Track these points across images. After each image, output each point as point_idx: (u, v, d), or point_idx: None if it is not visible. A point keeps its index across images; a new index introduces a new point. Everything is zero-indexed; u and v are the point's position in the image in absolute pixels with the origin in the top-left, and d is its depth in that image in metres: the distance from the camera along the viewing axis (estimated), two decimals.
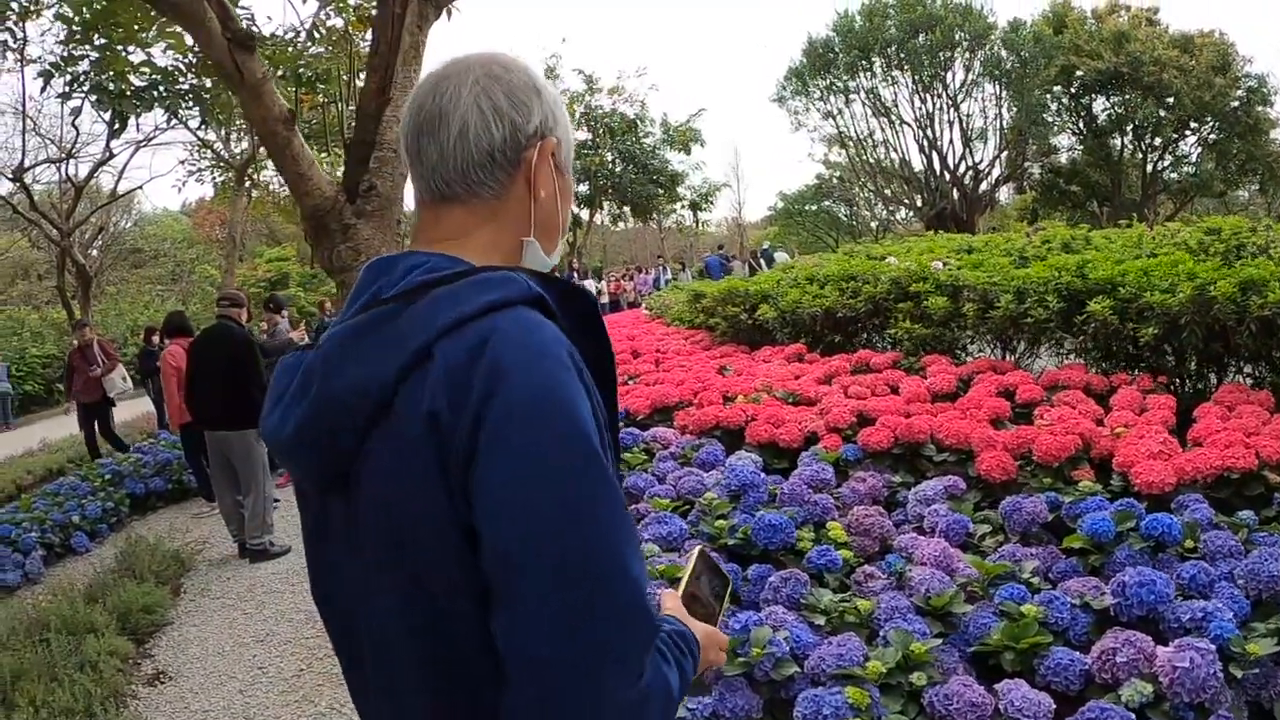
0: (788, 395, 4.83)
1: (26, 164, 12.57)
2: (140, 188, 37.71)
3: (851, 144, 28.30)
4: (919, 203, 27.56)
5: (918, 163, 27.47)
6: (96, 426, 10.01)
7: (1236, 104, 25.54)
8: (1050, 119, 27.67)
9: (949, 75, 26.62)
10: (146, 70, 5.11)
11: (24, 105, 12.67)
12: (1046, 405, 4.21)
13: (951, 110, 26.99)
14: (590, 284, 19.85)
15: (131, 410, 17.00)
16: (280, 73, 5.24)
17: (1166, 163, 27.11)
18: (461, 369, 0.79)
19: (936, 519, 3.30)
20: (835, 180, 32.37)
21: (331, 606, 0.97)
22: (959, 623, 2.60)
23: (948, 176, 27.29)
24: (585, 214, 25.06)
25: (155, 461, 8.51)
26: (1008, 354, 5.55)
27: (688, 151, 26.73)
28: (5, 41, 5.93)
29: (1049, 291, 4.83)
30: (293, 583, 5.40)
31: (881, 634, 2.48)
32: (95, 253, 12.73)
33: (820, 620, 2.60)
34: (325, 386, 0.86)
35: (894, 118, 27.29)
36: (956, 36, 25.46)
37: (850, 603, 2.62)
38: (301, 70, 5.24)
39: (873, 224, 32.28)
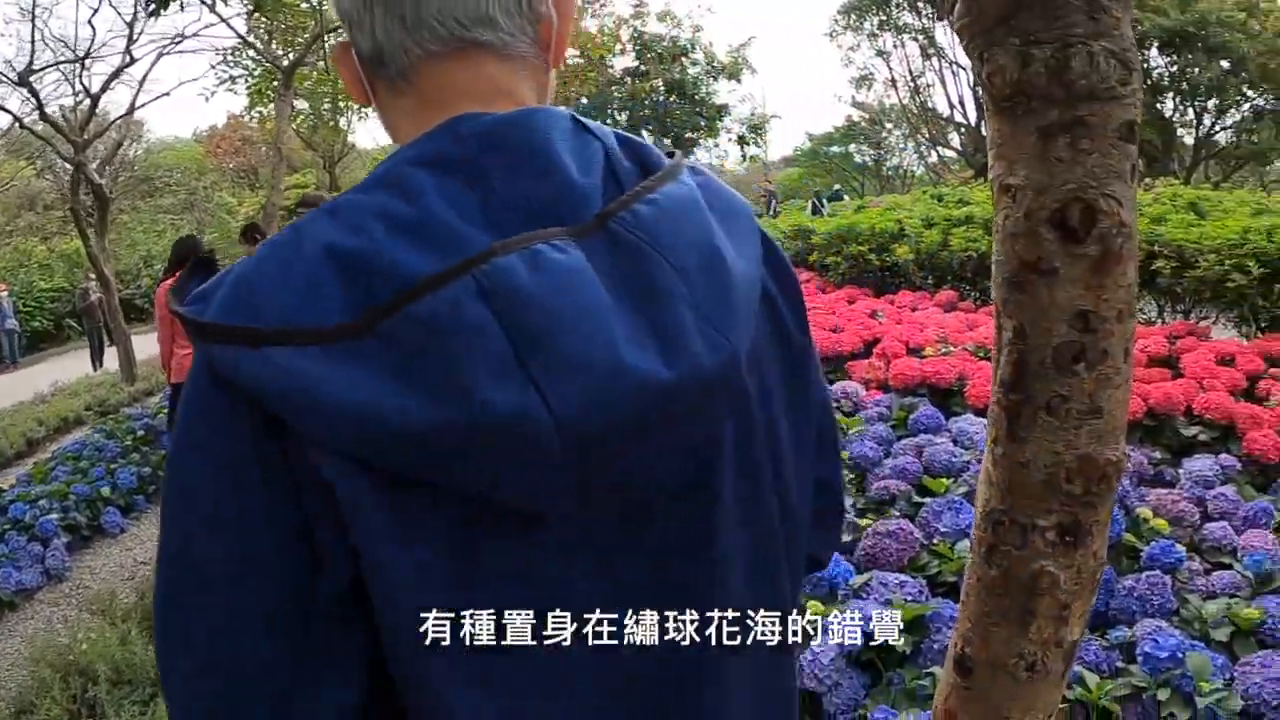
0: (978, 349, 4.37)
1: (35, 66, 10.28)
2: (168, 93, 32.85)
3: (902, 85, 27.27)
4: (972, 149, 26.58)
5: (972, 110, 26.46)
6: None
7: None
8: None
9: None
10: None
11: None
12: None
13: None
14: None
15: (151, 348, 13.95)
16: None
17: (1221, 126, 26.26)
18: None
19: (1224, 503, 2.93)
20: (865, 123, 31.31)
21: None
22: None
23: None
24: None
25: None
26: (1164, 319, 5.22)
27: (738, 80, 25.08)
28: None
29: (1247, 255, 4.55)
30: None
31: None
32: (104, 180, 11.04)
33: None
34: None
35: (948, 60, 26.19)
36: None
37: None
38: None
39: (917, 169, 31.39)
